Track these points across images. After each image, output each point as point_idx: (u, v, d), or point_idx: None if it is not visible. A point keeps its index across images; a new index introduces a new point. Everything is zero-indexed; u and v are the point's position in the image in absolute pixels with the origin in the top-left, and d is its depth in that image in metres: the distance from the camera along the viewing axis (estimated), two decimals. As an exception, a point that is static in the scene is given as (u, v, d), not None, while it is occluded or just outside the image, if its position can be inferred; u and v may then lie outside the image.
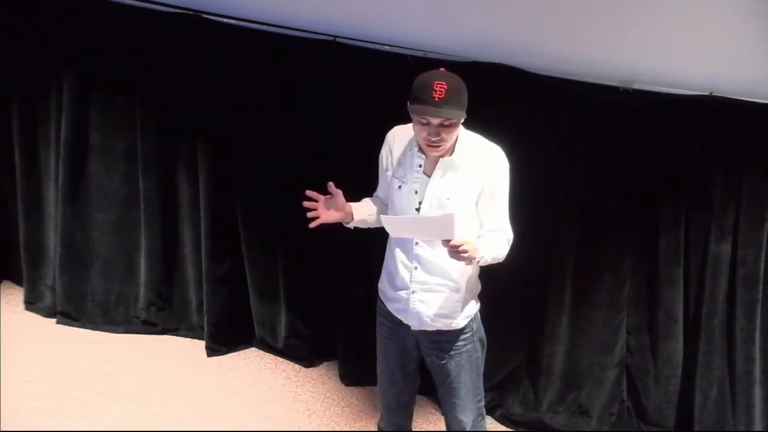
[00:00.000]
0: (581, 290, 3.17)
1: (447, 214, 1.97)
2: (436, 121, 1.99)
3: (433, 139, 2.02)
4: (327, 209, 2.19)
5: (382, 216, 2.13)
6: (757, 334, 3.00)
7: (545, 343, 3.22)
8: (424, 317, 2.25)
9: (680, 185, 3.01)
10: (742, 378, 3.04)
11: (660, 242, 3.06)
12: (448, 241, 1.98)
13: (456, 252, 1.99)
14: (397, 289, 2.28)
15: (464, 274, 2.24)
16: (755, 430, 3.07)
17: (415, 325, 2.29)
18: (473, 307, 2.32)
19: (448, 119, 1.98)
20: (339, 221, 2.24)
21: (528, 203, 2.73)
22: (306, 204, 2.17)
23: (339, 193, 2.19)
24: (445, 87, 1.95)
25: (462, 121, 2.06)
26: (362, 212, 2.29)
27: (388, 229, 2.11)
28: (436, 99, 1.95)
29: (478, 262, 2.11)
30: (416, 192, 2.17)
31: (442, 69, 2.05)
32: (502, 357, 3.20)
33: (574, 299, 3.18)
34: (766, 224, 2.95)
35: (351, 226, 2.30)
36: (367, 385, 3.38)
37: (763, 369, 3.05)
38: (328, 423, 3.18)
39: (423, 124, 2.02)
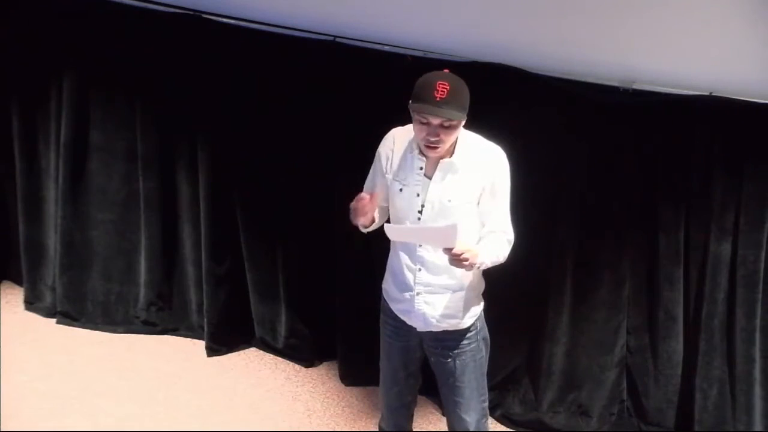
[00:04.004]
0: (581, 290, 3.17)
1: (451, 225, 1.97)
2: (436, 121, 1.99)
3: (432, 139, 2.02)
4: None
5: (385, 225, 2.12)
6: (757, 334, 3.00)
7: (545, 343, 3.22)
8: (429, 318, 2.25)
9: (680, 185, 3.00)
10: (742, 378, 3.04)
11: (660, 242, 3.06)
12: (450, 249, 1.99)
13: (458, 260, 2.00)
14: (401, 290, 2.28)
15: (468, 274, 2.24)
16: (755, 430, 3.07)
17: (420, 327, 2.29)
18: (478, 306, 2.33)
19: (449, 120, 1.98)
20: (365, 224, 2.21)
21: (528, 203, 2.72)
22: (360, 202, 2.12)
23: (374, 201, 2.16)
24: (447, 87, 1.95)
25: (462, 123, 2.06)
26: (378, 217, 2.28)
27: (389, 236, 2.11)
28: (438, 99, 1.94)
29: (479, 267, 2.12)
30: (418, 195, 2.16)
31: (446, 70, 2.05)
32: (502, 357, 3.20)
33: (574, 299, 3.18)
34: (766, 224, 2.94)
35: (366, 230, 2.28)
36: (367, 385, 3.38)
37: (763, 369, 3.05)
38: (328, 423, 3.18)
39: (423, 124, 2.01)
